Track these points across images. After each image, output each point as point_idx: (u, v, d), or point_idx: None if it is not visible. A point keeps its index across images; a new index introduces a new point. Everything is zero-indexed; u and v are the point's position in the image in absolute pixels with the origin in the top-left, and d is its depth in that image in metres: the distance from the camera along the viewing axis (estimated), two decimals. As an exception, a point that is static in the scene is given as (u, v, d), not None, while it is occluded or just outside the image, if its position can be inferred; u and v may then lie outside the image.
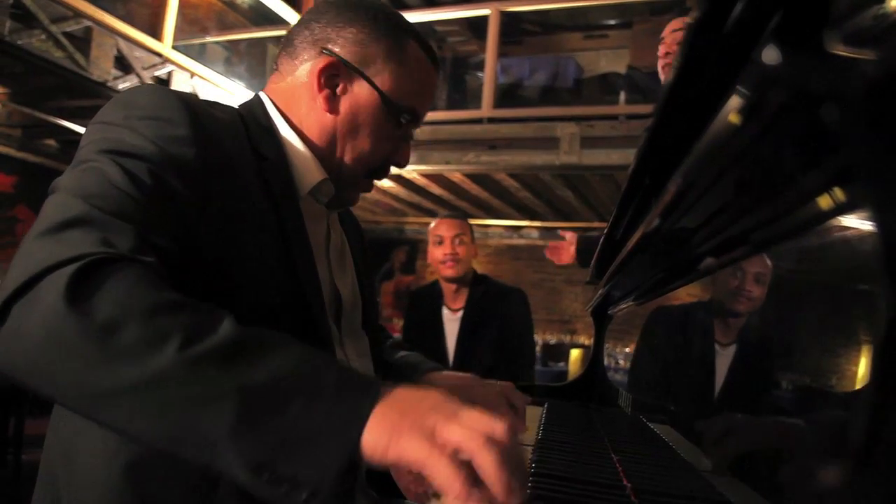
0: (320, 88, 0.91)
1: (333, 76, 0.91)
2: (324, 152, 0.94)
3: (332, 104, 0.92)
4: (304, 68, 0.93)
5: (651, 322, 1.26)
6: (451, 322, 2.74)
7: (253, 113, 0.94)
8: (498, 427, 0.53)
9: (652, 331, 1.25)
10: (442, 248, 2.70)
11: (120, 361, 0.55)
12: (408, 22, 0.98)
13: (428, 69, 0.97)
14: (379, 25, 0.92)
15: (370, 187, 1.02)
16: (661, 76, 1.80)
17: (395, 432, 0.53)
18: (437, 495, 0.59)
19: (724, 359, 0.75)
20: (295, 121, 0.94)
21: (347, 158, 0.94)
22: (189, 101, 0.82)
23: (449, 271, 2.70)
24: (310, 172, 0.93)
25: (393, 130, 0.95)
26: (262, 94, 0.98)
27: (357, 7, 0.94)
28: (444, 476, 0.51)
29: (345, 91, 0.92)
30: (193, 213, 0.76)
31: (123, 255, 0.62)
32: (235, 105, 0.96)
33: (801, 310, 0.59)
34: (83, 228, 0.64)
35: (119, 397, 0.56)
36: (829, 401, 0.48)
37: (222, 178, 0.80)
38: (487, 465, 0.51)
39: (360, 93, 0.92)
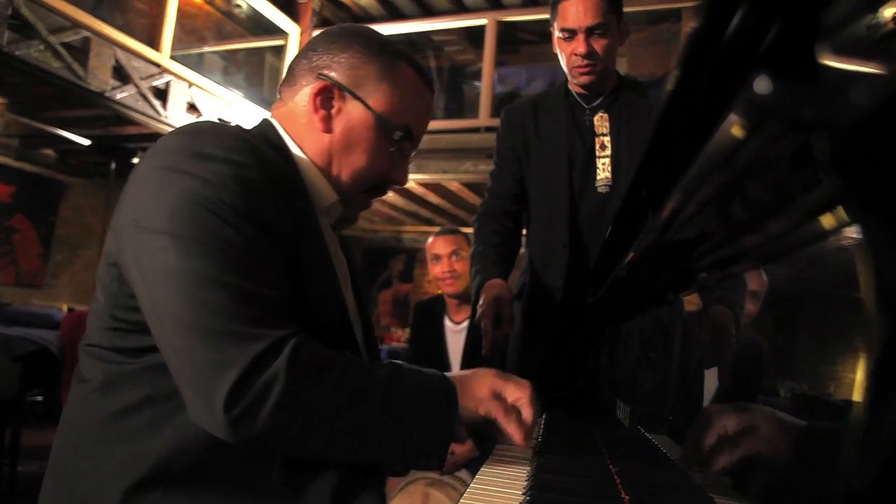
0: (316, 110, 0.95)
1: (328, 98, 0.96)
2: (324, 171, 0.98)
3: (328, 124, 0.96)
4: (302, 93, 0.97)
5: (644, 332, 1.26)
6: (454, 334, 2.69)
7: (265, 135, 0.97)
8: (530, 391, 0.91)
9: (645, 341, 1.25)
10: (440, 266, 2.68)
11: (343, 416, 0.78)
12: (400, 46, 1.02)
13: (419, 89, 1.01)
14: (371, 49, 0.97)
15: (368, 204, 1.06)
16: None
17: (477, 398, 0.88)
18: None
19: (714, 372, 0.75)
20: (298, 142, 0.98)
21: (345, 175, 0.98)
22: (245, 138, 0.85)
23: (449, 288, 2.67)
24: (323, 193, 0.97)
25: (388, 148, 0.98)
26: (273, 121, 1.00)
27: (350, 34, 0.99)
28: (511, 426, 0.87)
29: (339, 111, 0.96)
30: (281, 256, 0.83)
31: (293, 333, 0.76)
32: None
33: (792, 322, 0.59)
34: (248, 310, 0.75)
35: (344, 437, 0.78)
36: (820, 410, 0.48)
37: (282, 210, 0.84)
38: (528, 415, 0.89)
39: (353, 113, 0.96)
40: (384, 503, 0.88)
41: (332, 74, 0.96)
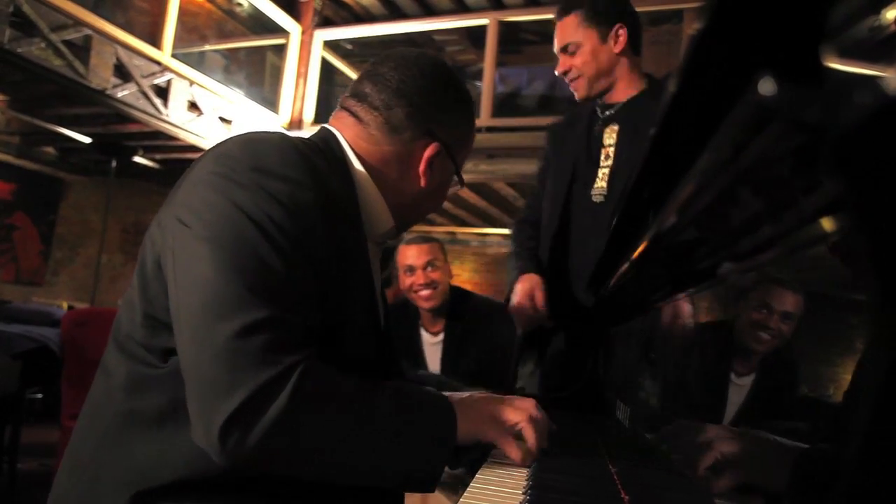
0: (424, 171, 1.00)
1: (433, 156, 1.00)
2: (400, 209, 1.01)
3: (426, 178, 1.00)
4: (407, 145, 0.98)
5: (644, 333, 1.26)
6: (432, 346, 2.53)
7: (328, 146, 0.96)
8: (533, 409, 0.91)
9: (645, 342, 1.25)
10: (413, 278, 2.43)
11: (346, 439, 0.77)
12: (467, 89, 1.07)
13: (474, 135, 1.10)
14: (466, 108, 1.04)
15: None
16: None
17: (476, 423, 0.87)
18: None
19: (738, 389, 0.74)
20: (380, 180, 0.98)
21: (419, 216, 1.06)
22: (307, 155, 0.85)
23: (426, 303, 2.44)
24: (380, 218, 0.99)
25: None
26: (338, 134, 0.99)
27: (451, 84, 1.02)
28: (509, 448, 0.87)
29: (437, 167, 1.01)
30: (318, 284, 0.82)
31: (304, 359, 0.75)
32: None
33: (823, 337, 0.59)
34: (268, 335, 0.73)
35: (346, 459, 0.77)
36: (822, 413, 0.48)
37: (331, 237, 0.84)
38: (530, 435, 0.88)
39: (446, 170, 1.03)
40: None
41: (441, 134, 0.99)
